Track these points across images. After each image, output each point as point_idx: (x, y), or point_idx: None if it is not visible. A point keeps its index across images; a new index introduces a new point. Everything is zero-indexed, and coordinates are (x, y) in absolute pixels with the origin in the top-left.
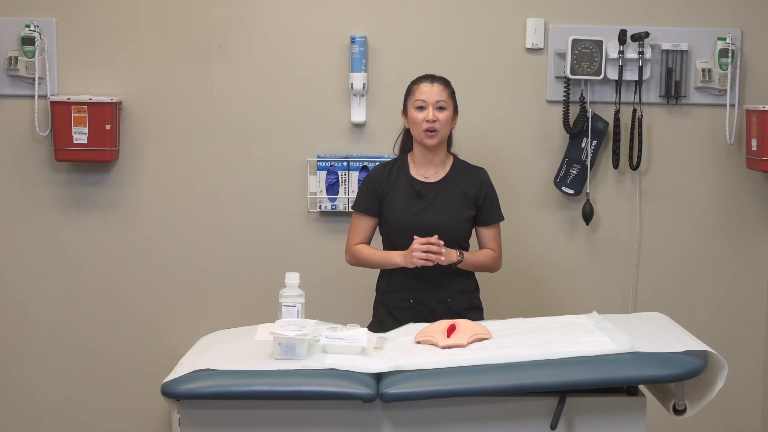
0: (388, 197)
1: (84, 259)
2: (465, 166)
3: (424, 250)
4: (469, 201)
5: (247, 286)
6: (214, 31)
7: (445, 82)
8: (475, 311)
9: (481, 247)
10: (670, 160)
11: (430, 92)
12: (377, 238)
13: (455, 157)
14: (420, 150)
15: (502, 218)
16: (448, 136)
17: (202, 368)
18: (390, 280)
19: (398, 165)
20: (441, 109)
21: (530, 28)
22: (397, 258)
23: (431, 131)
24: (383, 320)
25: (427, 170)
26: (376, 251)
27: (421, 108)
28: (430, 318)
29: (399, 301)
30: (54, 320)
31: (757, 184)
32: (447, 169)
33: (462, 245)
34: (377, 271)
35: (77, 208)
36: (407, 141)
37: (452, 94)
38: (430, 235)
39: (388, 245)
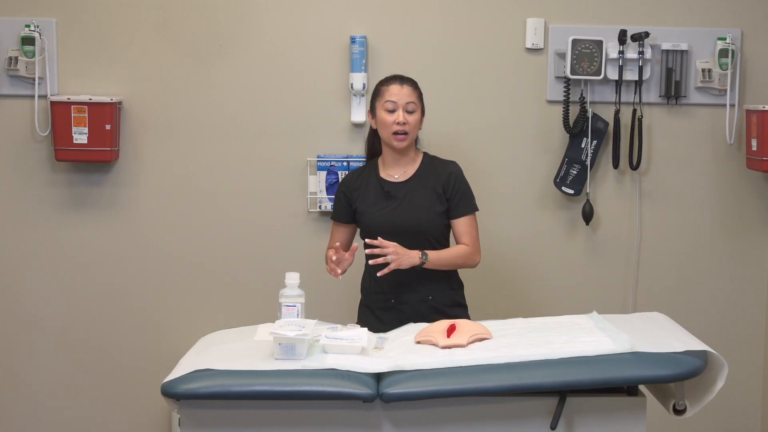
0: (358, 201)
1: (84, 259)
2: (435, 161)
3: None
4: (438, 196)
5: (247, 286)
6: (215, 31)
7: (414, 84)
8: (458, 308)
9: (456, 241)
10: (670, 160)
11: (399, 94)
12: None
13: (425, 154)
14: (388, 151)
15: (474, 209)
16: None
17: (202, 368)
18: (371, 280)
19: (369, 169)
20: (410, 111)
21: (530, 28)
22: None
23: (401, 134)
24: (366, 321)
25: (396, 170)
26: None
27: (390, 111)
28: (413, 317)
29: (381, 301)
30: (54, 320)
31: (757, 184)
32: (416, 167)
33: (440, 242)
34: None
35: (77, 208)
36: (374, 142)
37: (420, 96)
38: (404, 233)
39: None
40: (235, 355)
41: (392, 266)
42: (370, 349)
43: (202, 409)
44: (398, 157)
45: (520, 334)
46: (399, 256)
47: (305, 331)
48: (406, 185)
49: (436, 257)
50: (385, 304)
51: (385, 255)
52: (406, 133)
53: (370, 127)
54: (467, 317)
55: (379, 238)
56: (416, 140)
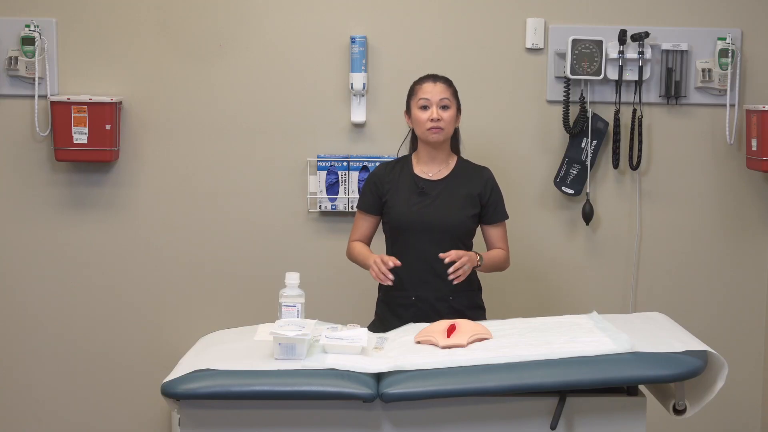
0: (389, 195)
1: (84, 259)
2: (469, 165)
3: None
4: (473, 199)
5: (247, 286)
6: (215, 31)
7: (448, 82)
8: (477, 310)
9: (488, 246)
10: (670, 160)
11: (433, 91)
12: (380, 237)
13: (459, 157)
14: (425, 148)
15: (506, 216)
16: (452, 135)
17: (202, 368)
18: (394, 277)
19: (402, 163)
20: (445, 107)
21: (530, 28)
22: (369, 260)
23: (436, 128)
24: (385, 318)
25: (430, 168)
26: (361, 251)
27: (424, 107)
28: (432, 316)
29: (401, 299)
30: (54, 320)
31: (757, 184)
32: (451, 167)
33: (465, 244)
34: None
35: (77, 208)
36: (415, 142)
37: (455, 93)
38: (434, 231)
39: (391, 243)
40: (235, 355)
41: (465, 274)
42: (370, 349)
43: (202, 409)
44: (435, 153)
45: (520, 334)
46: (469, 262)
47: (305, 331)
48: (440, 184)
49: (488, 259)
50: (405, 301)
51: (463, 266)
52: (441, 129)
53: (409, 127)
54: (484, 319)
55: (452, 252)
56: (458, 143)
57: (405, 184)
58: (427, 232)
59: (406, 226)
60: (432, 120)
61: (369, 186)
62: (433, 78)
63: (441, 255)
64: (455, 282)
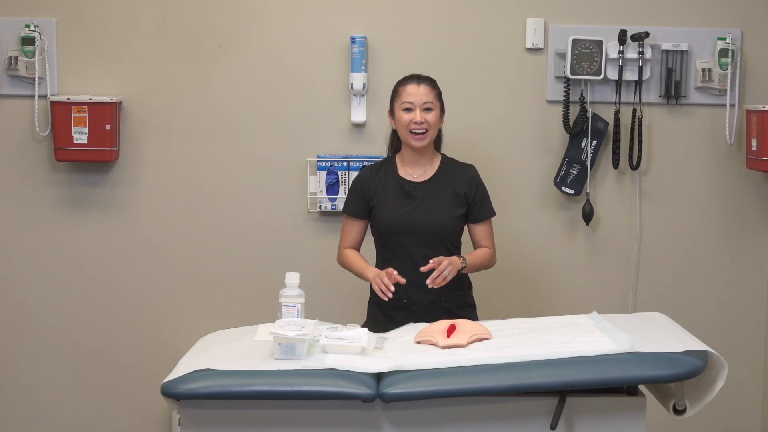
0: (376, 198)
1: (84, 259)
2: (454, 164)
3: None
4: (459, 199)
5: (247, 286)
6: (214, 31)
7: (432, 83)
8: (468, 309)
9: (474, 244)
10: (670, 160)
11: (416, 94)
12: (369, 240)
13: (443, 155)
14: (408, 150)
15: (493, 214)
16: (436, 136)
17: (202, 368)
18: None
19: (386, 165)
20: (428, 110)
21: (530, 28)
22: (369, 273)
23: (419, 133)
24: (377, 320)
25: (415, 170)
26: (356, 260)
27: (408, 110)
28: (424, 317)
29: (392, 301)
30: (54, 320)
31: (757, 184)
32: (435, 167)
33: (454, 244)
34: None
35: (77, 208)
36: (396, 141)
37: (439, 95)
38: (422, 234)
39: (380, 246)
40: (235, 355)
41: (449, 277)
42: (370, 349)
43: (202, 409)
44: (417, 156)
45: (520, 334)
46: (451, 266)
47: (305, 331)
48: (425, 186)
49: (472, 260)
50: (397, 303)
51: (442, 272)
52: (424, 132)
53: (391, 127)
54: (476, 317)
55: (432, 260)
56: (439, 142)
57: (390, 187)
58: (415, 235)
59: (394, 230)
60: (416, 123)
61: (355, 190)
62: (417, 79)
63: (422, 269)
64: (431, 286)
